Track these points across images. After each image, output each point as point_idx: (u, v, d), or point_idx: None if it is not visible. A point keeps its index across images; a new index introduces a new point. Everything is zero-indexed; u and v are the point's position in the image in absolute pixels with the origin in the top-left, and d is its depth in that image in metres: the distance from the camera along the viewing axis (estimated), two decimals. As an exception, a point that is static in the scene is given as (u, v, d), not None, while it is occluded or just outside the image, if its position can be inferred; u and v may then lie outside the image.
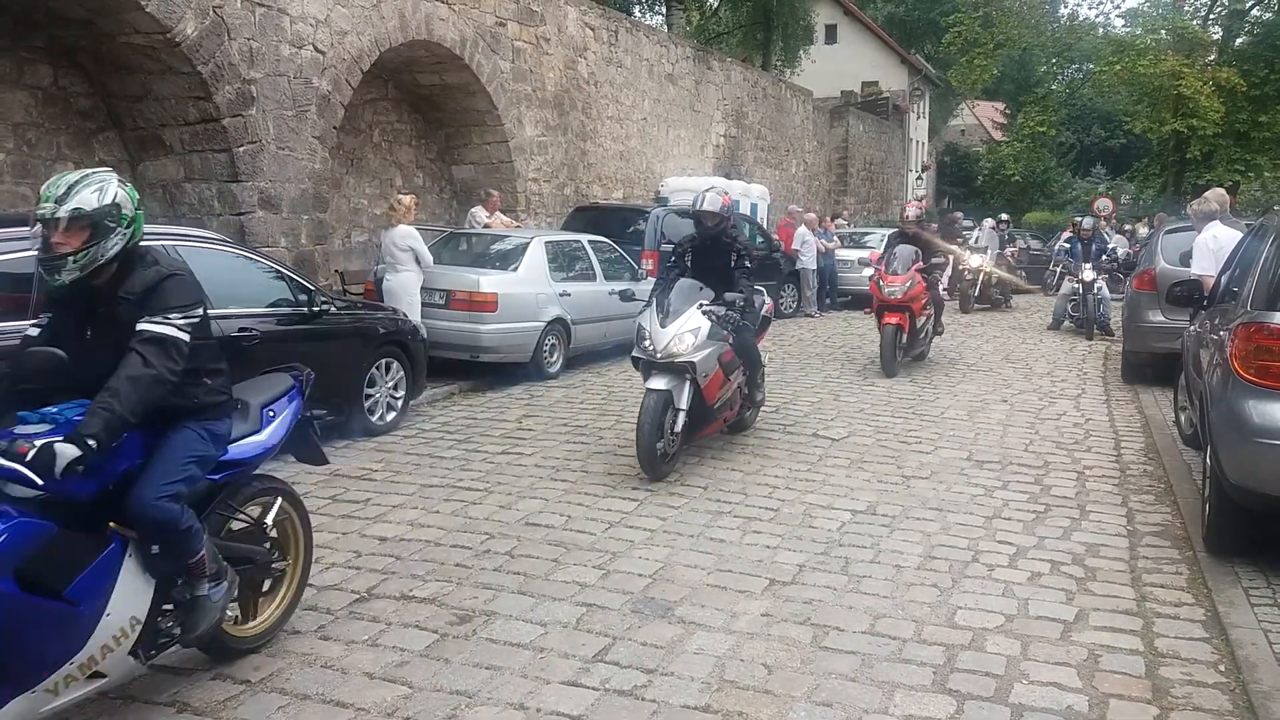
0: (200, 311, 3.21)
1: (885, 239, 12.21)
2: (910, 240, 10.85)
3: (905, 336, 10.46)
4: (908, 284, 10.24)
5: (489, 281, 9.44)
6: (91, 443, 2.77)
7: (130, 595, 3.04)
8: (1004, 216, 23.83)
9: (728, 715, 3.37)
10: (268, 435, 3.67)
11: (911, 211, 11.21)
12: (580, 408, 8.65)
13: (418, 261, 8.98)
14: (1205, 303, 6.50)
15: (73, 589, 2.81)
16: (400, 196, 9.45)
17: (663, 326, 6.38)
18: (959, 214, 23.90)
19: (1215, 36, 29.36)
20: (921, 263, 10.55)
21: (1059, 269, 18.03)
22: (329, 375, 6.95)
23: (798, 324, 15.71)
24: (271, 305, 6.65)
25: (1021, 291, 19.73)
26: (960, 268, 16.90)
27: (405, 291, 8.91)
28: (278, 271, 6.91)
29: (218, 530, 3.53)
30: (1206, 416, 5.18)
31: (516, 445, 7.20)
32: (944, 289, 12.23)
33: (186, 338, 3.11)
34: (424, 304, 9.07)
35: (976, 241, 19.32)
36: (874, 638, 3.99)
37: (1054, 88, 33.95)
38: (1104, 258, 15.22)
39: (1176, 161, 29.39)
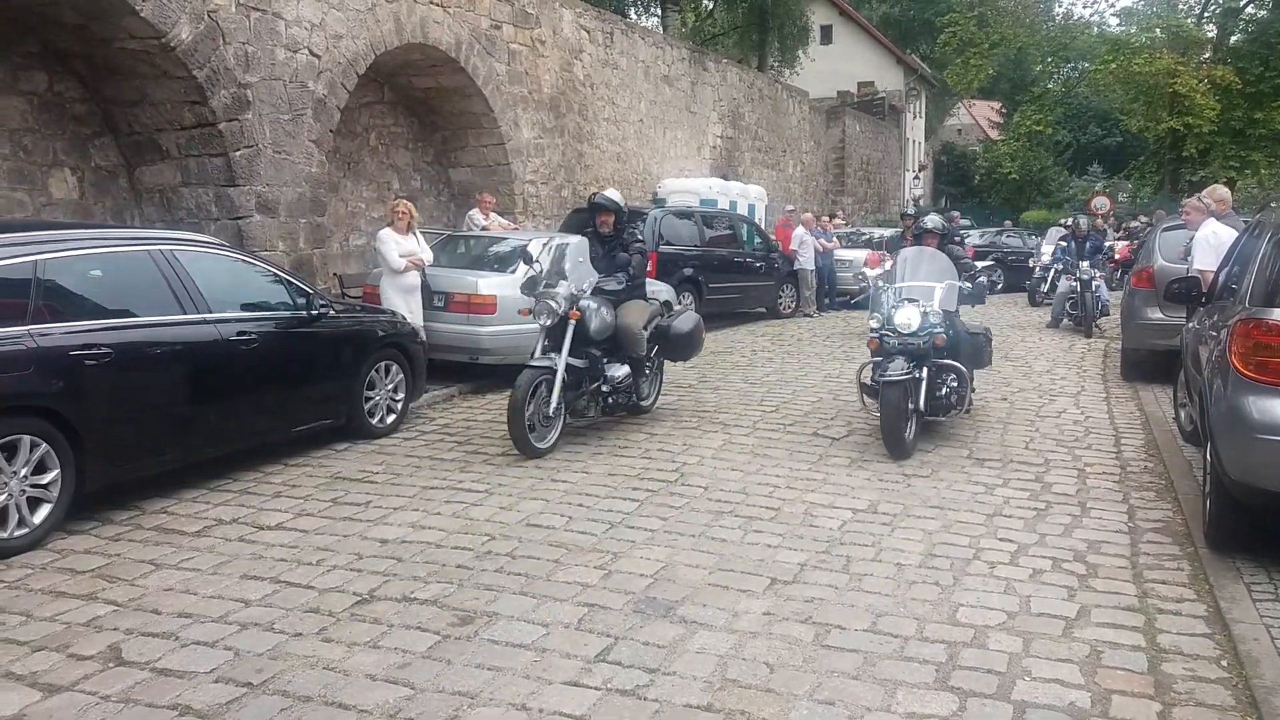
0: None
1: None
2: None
3: None
4: None
5: (488, 284, 9.43)
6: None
7: None
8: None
9: (730, 714, 3.37)
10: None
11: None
12: (579, 409, 8.63)
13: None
14: (1204, 299, 6.51)
15: None
16: (396, 200, 9.42)
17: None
18: (956, 213, 23.87)
19: (1210, 34, 29.46)
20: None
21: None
22: (328, 378, 7.04)
23: (797, 324, 15.72)
24: (270, 309, 6.64)
25: None
26: None
27: (382, 293, 8.95)
28: (276, 275, 6.91)
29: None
30: (1206, 413, 5.18)
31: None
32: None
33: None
34: (425, 307, 9.08)
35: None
36: (876, 636, 3.99)
37: (1050, 87, 33.97)
38: (1099, 255, 15.21)
39: (1173, 159, 29.49)
